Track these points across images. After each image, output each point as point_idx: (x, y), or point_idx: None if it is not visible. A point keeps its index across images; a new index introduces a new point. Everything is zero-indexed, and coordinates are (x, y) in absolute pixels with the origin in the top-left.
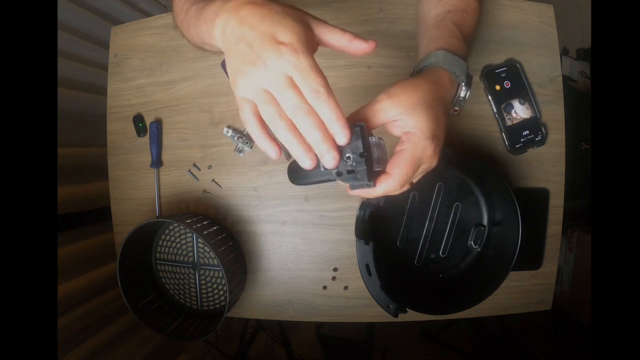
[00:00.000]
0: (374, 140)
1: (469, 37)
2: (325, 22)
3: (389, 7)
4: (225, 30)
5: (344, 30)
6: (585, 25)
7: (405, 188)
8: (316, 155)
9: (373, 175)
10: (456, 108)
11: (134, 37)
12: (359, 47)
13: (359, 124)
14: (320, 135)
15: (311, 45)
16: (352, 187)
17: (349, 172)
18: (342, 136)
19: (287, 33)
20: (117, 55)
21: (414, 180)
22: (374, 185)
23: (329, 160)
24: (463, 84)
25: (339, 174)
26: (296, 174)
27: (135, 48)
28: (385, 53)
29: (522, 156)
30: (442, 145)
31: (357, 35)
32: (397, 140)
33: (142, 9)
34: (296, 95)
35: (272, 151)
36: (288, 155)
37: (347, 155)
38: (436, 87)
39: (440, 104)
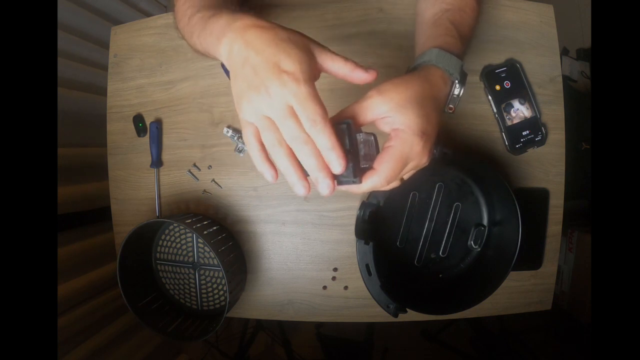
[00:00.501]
0: (361, 137)
1: (466, 36)
2: (328, 50)
3: (389, 7)
4: (231, 50)
5: (346, 59)
6: (585, 25)
7: (394, 185)
8: (308, 182)
9: (360, 171)
10: (451, 106)
11: (134, 37)
12: (360, 77)
13: (346, 121)
14: (315, 163)
15: (313, 73)
16: (339, 183)
17: None
18: (337, 165)
19: (290, 61)
20: (117, 55)
21: (405, 177)
22: (360, 182)
23: (324, 187)
24: (457, 81)
25: None
26: None
27: (135, 48)
28: (385, 53)
29: (522, 156)
30: (432, 142)
31: (359, 65)
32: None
33: (142, 9)
34: (295, 124)
35: (269, 175)
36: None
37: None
38: (428, 85)
39: (431, 101)
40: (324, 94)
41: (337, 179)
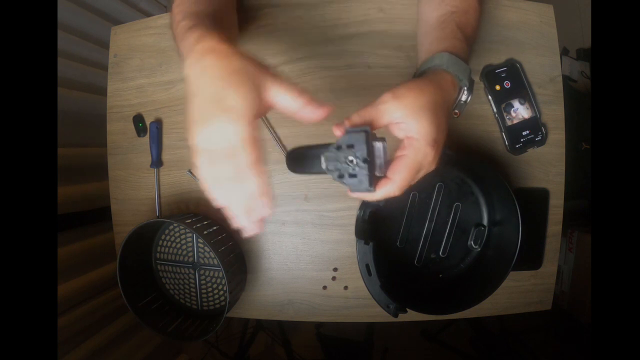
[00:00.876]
0: (377, 144)
1: (471, 39)
2: (282, 84)
3: (389, 7)
4: (188, 76)
5: (300, 94)
6: (585, 25)
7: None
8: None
9: (374, 180)
10: (456, 111)
11: (134, 37)
12: (311, 114)
13: (364, 129)
14: (241, 208)
15: (260, 110)
16: (353, 190)
17: (350, 175)
18: (261, 211)
19: (235, 99)
20: (117, 55)
21: (413, 183)
22: (374, 190)
23: (247, 232)
24: (465, 88)
25: (340, 176)
26: (295, 162)
27: (135, 48)
28: (385, 53)
29: (522, 156)
30: (441, 149)
31: (313, 100)
32: (396, 137)
33: (142, 9)
34: (228, 167)
35: (223, 204)
36: None
37: (350, 158)
38: (440, 92)
39: (442, 108)
40: (324, 94)
41: (352, 187)
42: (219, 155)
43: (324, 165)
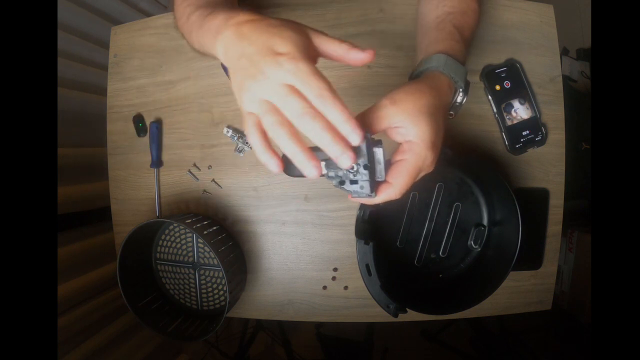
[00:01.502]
0: (377, 150)
1: (468, 40)
2: (323, 33)
3: (389, 7)
4: (227, 46)
5: (341, 41)
6: (585, 25)
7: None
8: (319, 161)
9: (375, 185)
10: (451, 112)
11: (134, 37)
12: (357, 56)
13: (365, 135)
14: (330, 137)
15: (310, 53)
16: (354, 196)
17: (352, 181)
18: (354, 137)
19: (284, 43)
20: (117, 55)
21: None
22: (375, 195)
23: (345, 160)
24: (461, 89)
25: (341, 183)
26: (292, 165)
27: (135, 48)
28: (385, 53)
29: (522, 156)
30: (439, 151)
31: (355, 45)
32: (392, 141)
33: (142, 9)
34: (299, 100)
35: (273, 165)
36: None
37: (355, 179)
38: (437, 94)
39: (440, 111)
40: None
41: (353, 193)
42: (281, 96)
43: (324, 172)
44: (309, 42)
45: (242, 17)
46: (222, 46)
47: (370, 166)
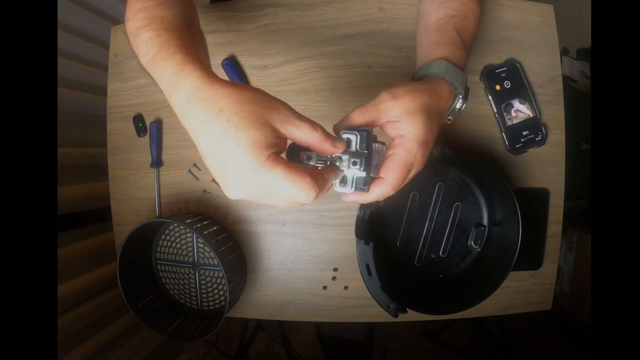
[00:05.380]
0: (377, 146)
1: (469, 45)
2: (292, 115)
3: (389, 7)
4: (184, 121)
5: (314, 127)
6: (585, 25)
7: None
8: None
9: (369, 180)
10: (450, 117)
11: None
12: (329, 149)
13: (366, 129)
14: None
15: (273, 149)
16: (346, 192)
17: (342, 182)
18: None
19: (239, 156)
20: (117, 55)
21: (404, 183)
22: (367, 190)
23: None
24: (460, 96)
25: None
26: (292, 156)
27: None
28: (385, 53)
29: (522, 156)
30: (430, 152)
31: (328, 136)
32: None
33: None
34: (283, 201)
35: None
36: None
37: (354, 160)
38: (436, 99)
39: (436, 114)
40: (324, 94)
41: (345, 190)
42: (271, 199)
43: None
44: (273, 134)
45: (189, 89)
46: (178, 113)
47: (367, 159)
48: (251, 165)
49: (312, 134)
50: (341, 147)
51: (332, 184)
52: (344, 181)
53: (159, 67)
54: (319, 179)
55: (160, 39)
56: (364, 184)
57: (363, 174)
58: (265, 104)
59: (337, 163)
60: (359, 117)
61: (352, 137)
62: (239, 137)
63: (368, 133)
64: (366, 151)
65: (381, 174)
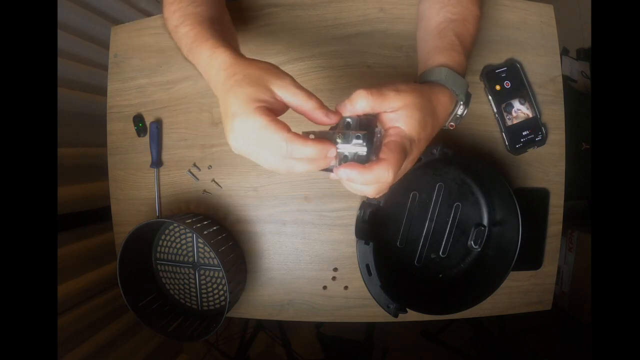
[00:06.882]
0: (377, 129)
1: (469, 48)
2: (290, 84)
3: (389, 7)
4: (214, 90)
5: (309, 96)
6: (585, 25)
7: (391, 183)
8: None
9: (369, 161)
10: (452, 123)
11: (134, 37)
12: (321, 118)
13: (375, 115)
14: (308, 167)
15: (266, 106)
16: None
17: (342, 159)
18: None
19: (236, 104)
20: (117, 55)
21: (394, 181)
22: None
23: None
24: (461, 102)
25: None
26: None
27: (135, 48)
28: (385, 53)
29: (522, 156)
30: (419, 153)
31: (322, 106)
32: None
33: (142, 9)
34: (270, 152)
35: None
36: None
37: (357, 134)
38: (437, 103)
39: (434, 117)
40: (324, 94)
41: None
42: (257, 150)
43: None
44: (267, 94)
45: (220, 61)
46: (213, 87)
47: (369, 142)
48: (239, 112)
49: (306, 102)
50: (334, 119)
51: (313, 154)
52: (344, 160)
53: (196, 54)
54: (299, 139)
55: (194, 31)
56: (367, 159)
57: (363, 154)
58: (270, 71)
59: (338, 140)
60: (363, 95)
61: (351, 121)
62: (236, 91)
63: (374, 118)
64: (365, 131)
65: (382, 156)
